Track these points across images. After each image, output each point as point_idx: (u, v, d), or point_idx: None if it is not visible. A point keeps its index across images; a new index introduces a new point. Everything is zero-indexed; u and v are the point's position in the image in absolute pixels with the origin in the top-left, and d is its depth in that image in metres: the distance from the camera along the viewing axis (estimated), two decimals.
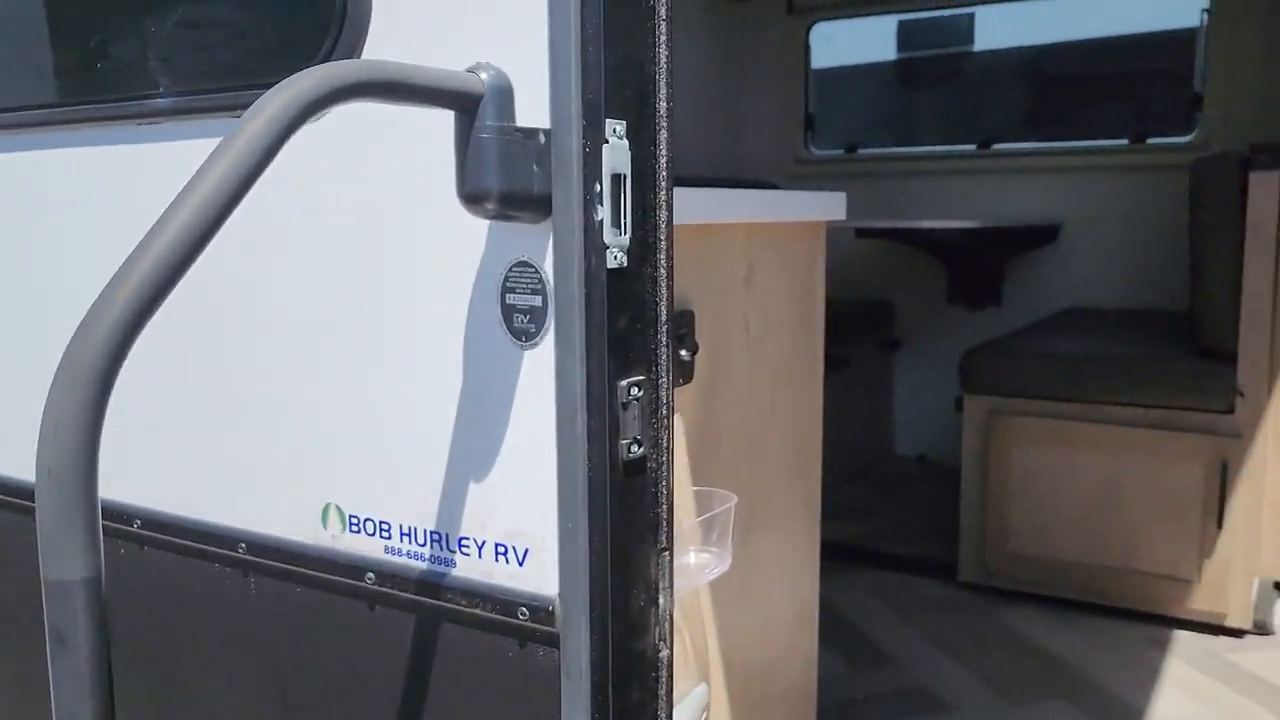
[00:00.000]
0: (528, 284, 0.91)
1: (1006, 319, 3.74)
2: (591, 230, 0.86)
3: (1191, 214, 2.38)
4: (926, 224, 3.24)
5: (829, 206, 1.55)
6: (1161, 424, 2.40)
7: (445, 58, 0.89)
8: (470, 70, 0.87)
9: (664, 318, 0.93)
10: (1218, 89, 3.30)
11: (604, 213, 0.86)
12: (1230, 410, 2.33)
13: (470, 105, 0.85)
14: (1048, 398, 2.51)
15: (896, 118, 4.48)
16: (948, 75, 4.44)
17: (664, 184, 0.92)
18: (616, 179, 0.87)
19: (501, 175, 0.85)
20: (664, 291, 0.93)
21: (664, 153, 0.92)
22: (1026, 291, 3.69)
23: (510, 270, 0.92)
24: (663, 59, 0.90)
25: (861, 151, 4.04)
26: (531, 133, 0.86)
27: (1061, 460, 2.50)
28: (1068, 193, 3.59)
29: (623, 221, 0.88)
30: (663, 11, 0.89)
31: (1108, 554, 2.48)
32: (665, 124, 0.92)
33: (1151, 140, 3.50)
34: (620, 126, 0.87)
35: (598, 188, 0.86)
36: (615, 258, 0.88)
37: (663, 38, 0.90)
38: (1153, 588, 2.42)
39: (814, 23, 4.00)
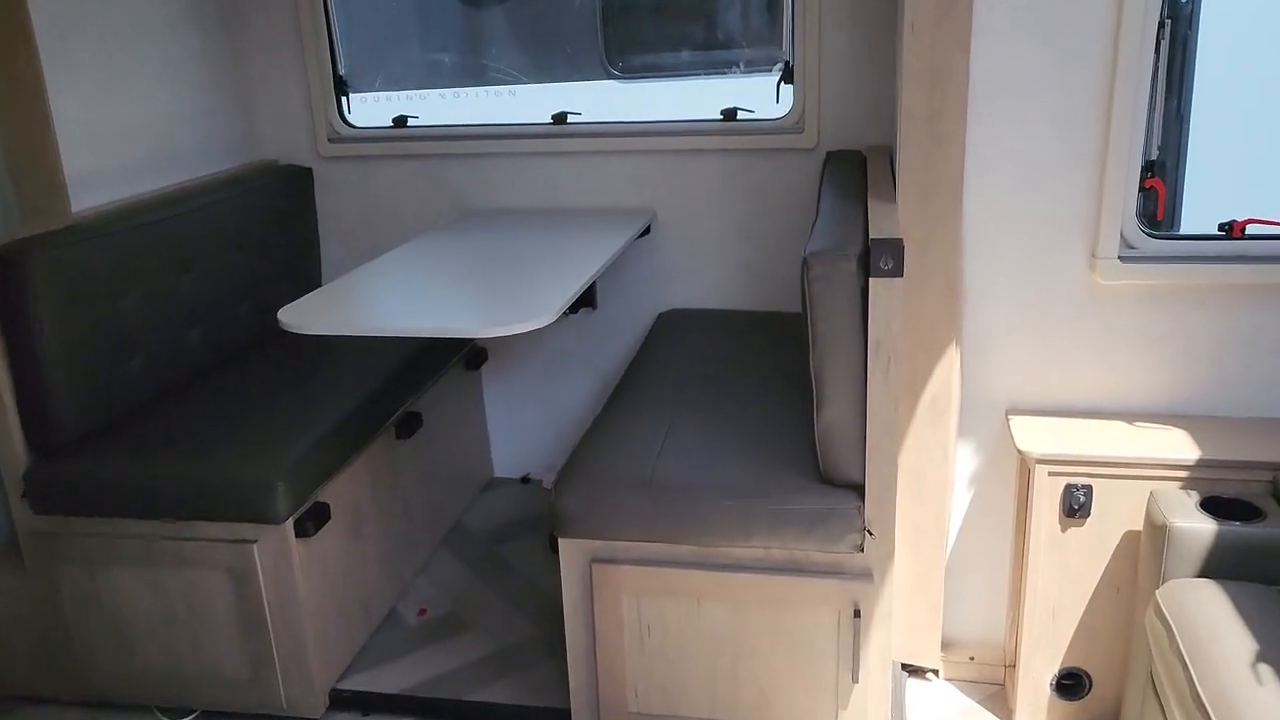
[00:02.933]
0: None
1: (605, 323, 3.22)
2: None
3: (806, 320, 1.90)
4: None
5: None
6: (787, 567, 2.00)
7: None
8: None
9: None
10: (811, 63, 2.84)
11: None
12: (860, 549, 1.96)
13: None
14: (656, 539, 2.01)
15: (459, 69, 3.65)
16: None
17: None
18: None
19: None
20: None
21: None
22: (622, 290, 3.17)
23: None
24: None
25: (414, 126, 3.20)
26: None
27: (683, 609, 2.04)
28: (660, 179, 3.05)
29: None
30: None
31: (738, 711, 2.10)
32: None
33: (744, 118, 3.01)
34: None
35: None
36: None
37: None
38: None
39: None
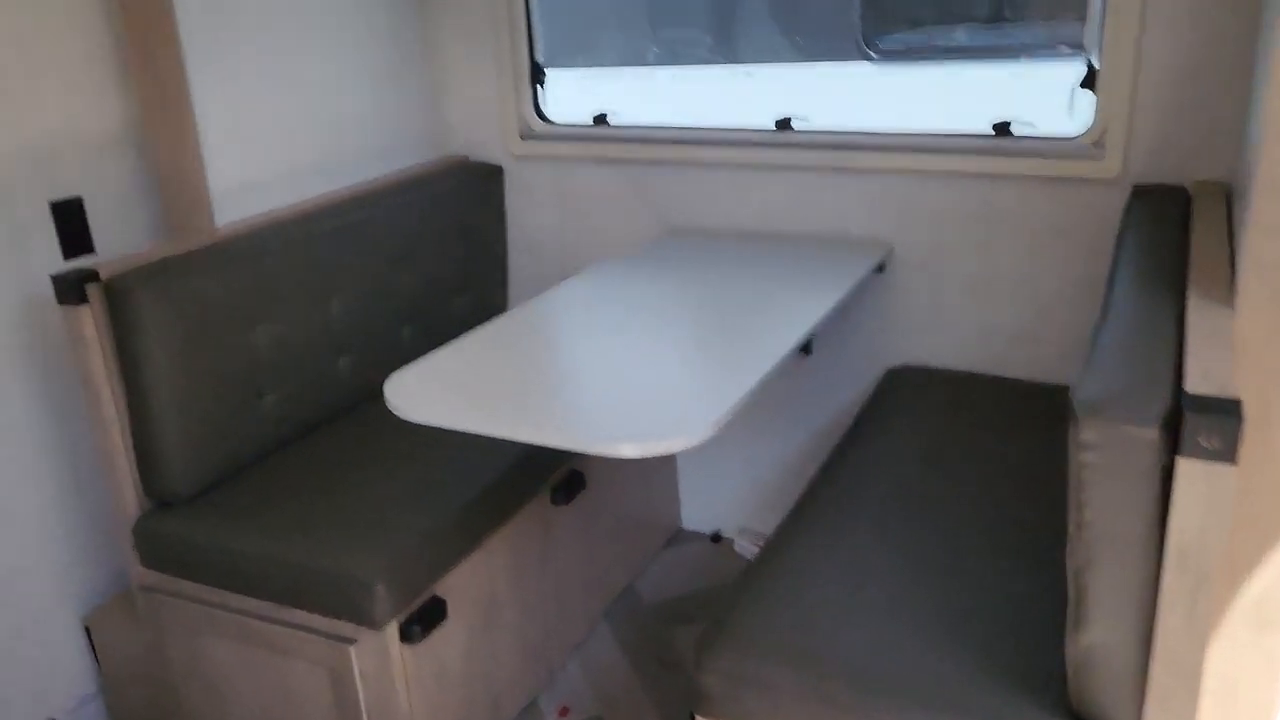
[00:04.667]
0: None
1: (820, 372, 2.65)
2: None
3: (1071, 495, 1.27)
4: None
5: None
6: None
7: None
8: None
9: None
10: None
11: None
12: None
13: None
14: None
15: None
16: None
17: None
18: None
19: None
20: None
21: None
22: (844, 336, 2.58)
23: None
24: None
25: (616, 125, 2.75)
26: None
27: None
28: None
29: None
30: None
31: None
32: None
33: (1022, 133, 2.31)
34: None
35: None
36: None
37: None
38: None
39: None
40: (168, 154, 2.16)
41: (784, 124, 2.54)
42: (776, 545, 1.79)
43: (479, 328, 2.01)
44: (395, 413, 1.68)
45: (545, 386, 1.75)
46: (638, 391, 1.70)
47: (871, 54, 3.21)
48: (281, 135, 2.34)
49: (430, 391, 1.74)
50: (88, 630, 2.24)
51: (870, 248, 2.43)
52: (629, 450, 1.51)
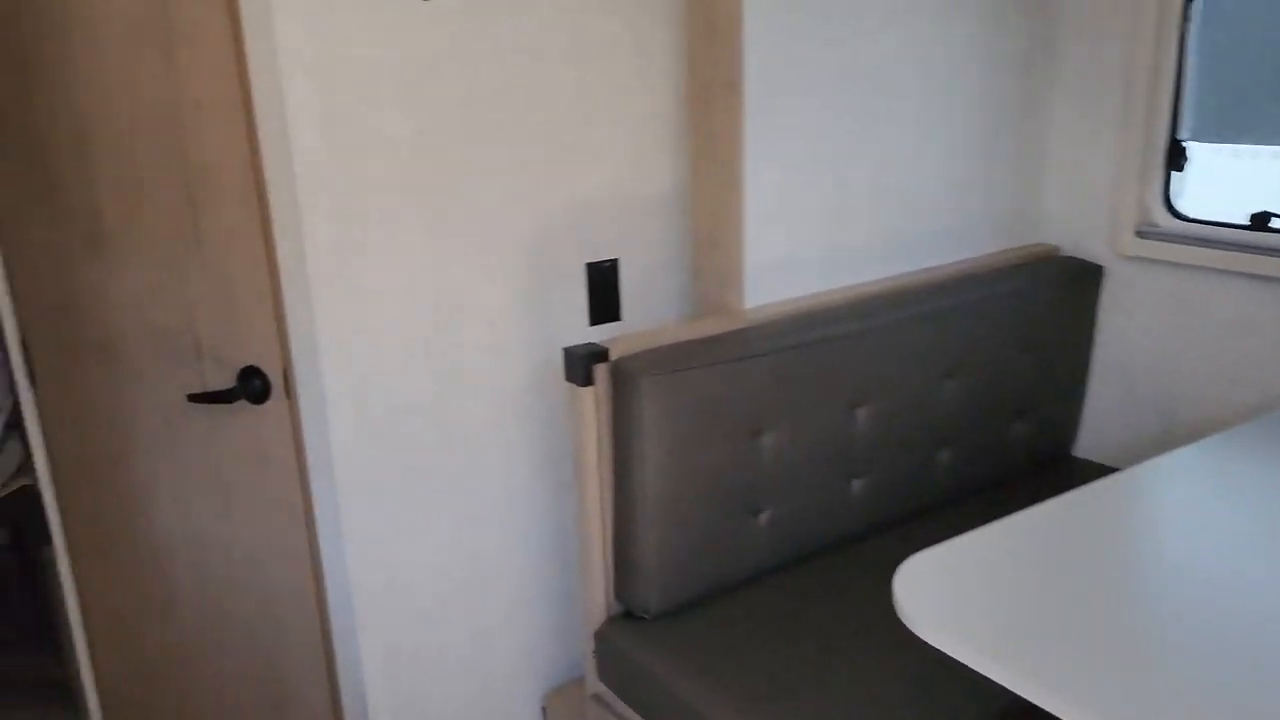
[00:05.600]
0: None
1: None
2: None
3: None
4: None
5: None
6: None
7: None
8: None
9: None
10: None
11: None
12: None
13: None
14: None
15: None
16: None
17: None
18: None
19: None
20: None
21: None
22: None
23: None
24: None
25: None
26: None
27: None
28: None
29: None
30: None
31: None
32: None
33: None
34: None
35: None
36: None
37: None
38: None
39: None
40: (708, 220, 1.93)
41: None
42: None
43: (1038, 506, 1.47)
44: (903, 619, 1.23)
45: (1127, 639, 1.17)
46: None
47: None
48: (834, 209, 2.00)
49: (951, 597, 1.25)
50: (544, 711, 2.11)
51: None
52: None
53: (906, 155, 2.06)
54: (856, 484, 1.97)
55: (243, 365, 1.78)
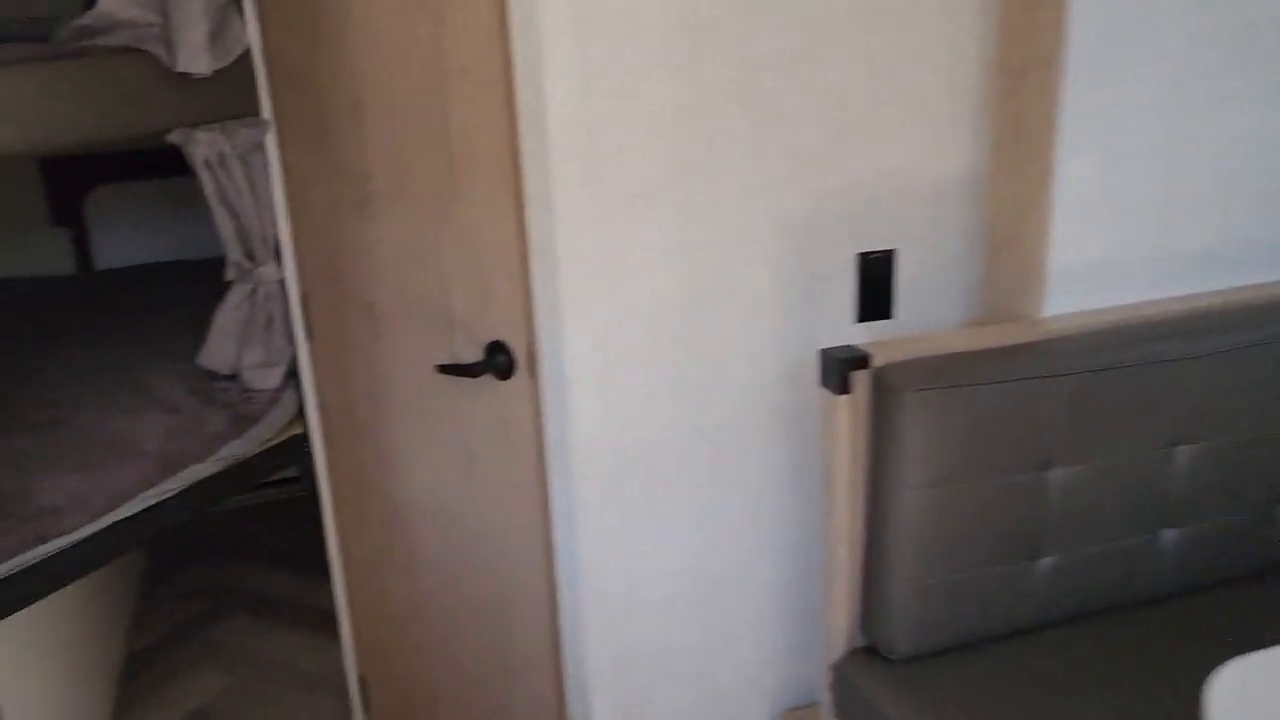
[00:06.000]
0: None
1: None
2: None
3: None
4: None
5: None
6: None
7: None
8: None
9: None
10: None
11: None
12: None
13: None
14: None
15: None
16: None
17: None
18: None
19: None
20: None
21: None
22: None
23: None
24: None
25: None
26: None
27: None
28: None
29: None
30: None
31: None
32: None
33: None
34: None
35: None
36: None
37: None
38: None
39: None
40: (1006, 212, 1.66)
41: None
42: None
43: None
44: None
45: None
46: None
47: None
48: (1166, 203, 1.65)
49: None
50: None
51: None
52: None
53: (1269, 138, 1.67)
54: (1169, 534, 1.64)
55: (490, 340, 1.74)
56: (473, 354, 1.77)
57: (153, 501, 1.85)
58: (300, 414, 2.20)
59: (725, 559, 1.84)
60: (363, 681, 2.31)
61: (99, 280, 3.29)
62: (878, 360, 1.50)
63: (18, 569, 1.60)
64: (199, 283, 2.15)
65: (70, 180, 3.40)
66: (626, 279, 1.62)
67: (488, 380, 1.77)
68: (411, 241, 1.80)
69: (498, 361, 1.72)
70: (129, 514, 1.80)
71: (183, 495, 1.90)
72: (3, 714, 1.83)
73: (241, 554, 3.33)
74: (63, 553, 1.67)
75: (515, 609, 1.92)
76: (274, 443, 2.14)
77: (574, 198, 1.56)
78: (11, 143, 1.61)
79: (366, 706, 2.34)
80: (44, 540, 1.65)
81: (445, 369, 1.78)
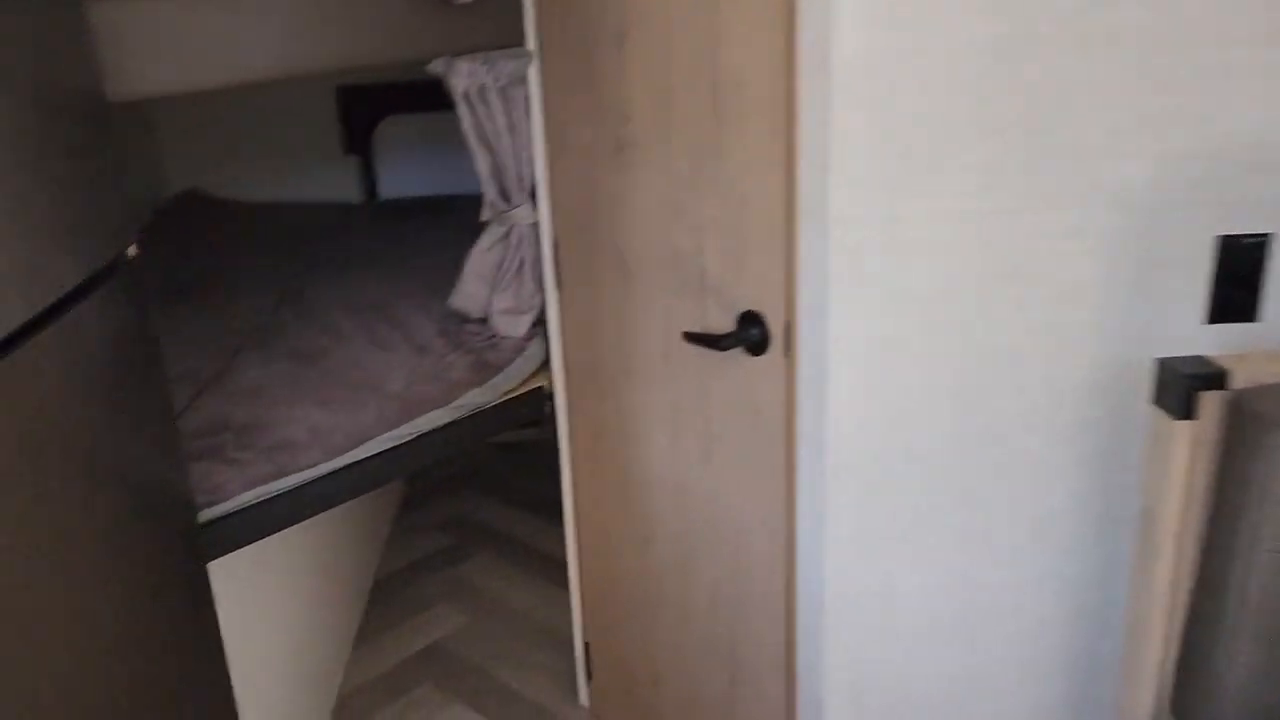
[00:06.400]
0: None
1: None
2: None
3: None
4: None
5: None
6: None
7: None
8: None
9: None
10: None
11: None
12: None
13: None
14: None
15: None
16: None
17: None
18: None
19: None
20: None
21: None
22: None
23: None
24: None
25: None
26: None
27: None
28: None
29: None
30: None
31: None
32: None
33: None
34: None
35: None
36: None
37: None
38: None
39: None
40: None
41: None
42: None
43: None
44: None
45: None
46: None
47: None
48: None
49: None
50: None
51: None
52: None
53: None
54: None
55: (744, 309, 1.53)
56: (724, 323, 1.57)
57: (388, 445, 1.81)
58: (544, 366, 2.10)
59: (997, 588, 1.55)
60: (588, 648, 2.22)
61: (381, 209, 3.38)
62: (1238, 379, 1.15)
63: (251, 502, 1.59)
64: (473, 218, 2.11)
65: (362, 111, 3.51)
66: (908, 251, 1.36)
67: (738, 353, 1.57)
68: (668, 191, 1.62)
69: (750, 334, 1.51)
70: (363, 456, 1.76)
71: (416, 442, 1.85)
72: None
73: (495, 492, 3.36)
74: (295, 490, 1.65)
75: (747, 606, 1.73)
76: (515, 394, 2.05)
77: (853, 150, 1.31)
78: (273, 66, 1.57)
79: (590, 674, 2.25)
80: (281, 475, 1.64)
81: (692, 338, 1.59)
